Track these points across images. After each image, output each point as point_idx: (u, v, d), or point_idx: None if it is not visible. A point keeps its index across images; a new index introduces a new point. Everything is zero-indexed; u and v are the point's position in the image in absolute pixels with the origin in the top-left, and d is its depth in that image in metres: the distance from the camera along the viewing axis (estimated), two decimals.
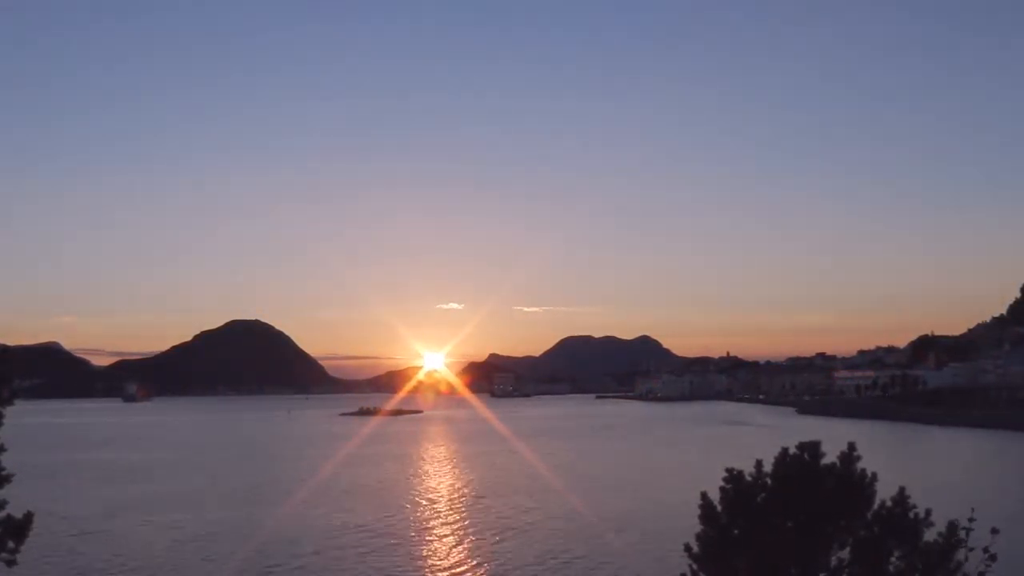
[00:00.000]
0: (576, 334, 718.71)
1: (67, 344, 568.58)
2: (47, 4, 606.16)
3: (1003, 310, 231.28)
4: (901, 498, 6.82)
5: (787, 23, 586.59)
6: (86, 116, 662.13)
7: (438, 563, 38.51)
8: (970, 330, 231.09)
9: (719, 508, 6.77)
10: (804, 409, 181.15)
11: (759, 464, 6.85)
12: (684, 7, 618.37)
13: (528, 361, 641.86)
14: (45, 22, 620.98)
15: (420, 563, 38.43)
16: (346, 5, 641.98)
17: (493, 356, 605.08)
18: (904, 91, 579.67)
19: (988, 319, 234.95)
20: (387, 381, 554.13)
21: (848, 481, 6.79)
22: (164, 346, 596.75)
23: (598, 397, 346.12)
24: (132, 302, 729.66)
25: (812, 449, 6.81)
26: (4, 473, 8.02)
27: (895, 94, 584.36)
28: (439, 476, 74.53)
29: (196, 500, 58.48)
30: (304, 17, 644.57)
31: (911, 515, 6.78)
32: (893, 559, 6.74)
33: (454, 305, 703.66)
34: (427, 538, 44.40)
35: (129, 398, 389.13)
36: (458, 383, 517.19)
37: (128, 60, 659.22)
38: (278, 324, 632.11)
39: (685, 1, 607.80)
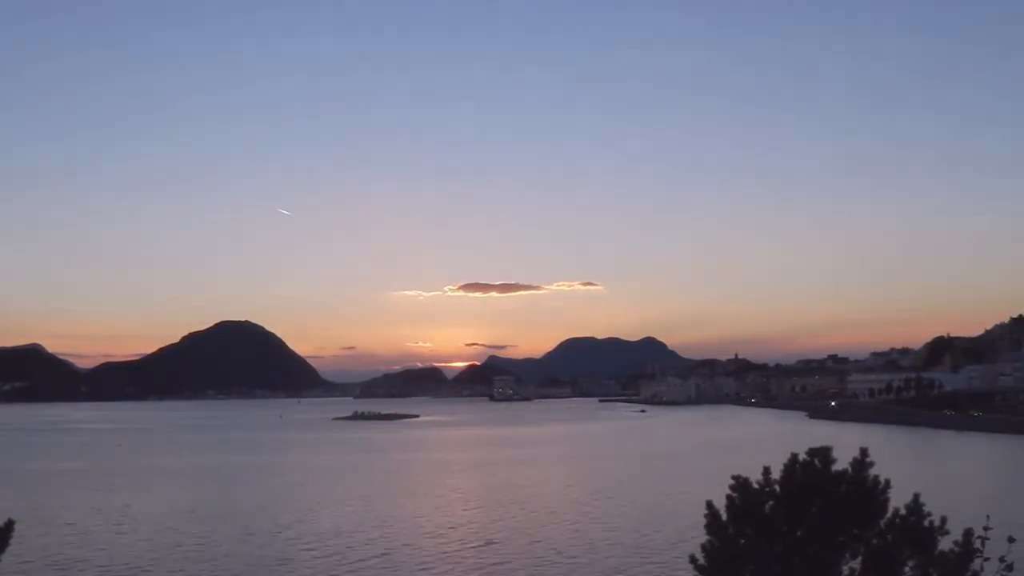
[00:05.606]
0: (579, 335, 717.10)
1: (49, 346, 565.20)
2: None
3: (1022, 310, 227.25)
4: (916, 506, 6.55)
5: (799, 22, 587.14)
6: (73, 115, 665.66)
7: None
8: (987, 331, 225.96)
9: (725, 517, 6.51)
10: (815, 413, 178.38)
11: (767, 471, 6.58)
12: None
13: (529, 363, 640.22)
14: (37, 16, 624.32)
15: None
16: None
17: (493, 358, 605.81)
18: (920, 88, 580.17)
19: (1006, 320, 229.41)
20: (383, 383, 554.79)
21: (861, 488, 6.52)
22: (151, 348, 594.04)
23: (601, 401, 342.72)
24: (117, 302, 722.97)
25: (823, 455, 6.54)
26: None
27: (910, 90, 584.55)
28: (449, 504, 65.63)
29: None
30: (298, 17, 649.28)
31: (926, 523, 6.51)
32: (907, 569, 6.48)
33: (451, 292, 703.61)
34: None
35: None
36: (457, 385, 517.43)
37: (116, 59, 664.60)
38: (269, 325, 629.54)
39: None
